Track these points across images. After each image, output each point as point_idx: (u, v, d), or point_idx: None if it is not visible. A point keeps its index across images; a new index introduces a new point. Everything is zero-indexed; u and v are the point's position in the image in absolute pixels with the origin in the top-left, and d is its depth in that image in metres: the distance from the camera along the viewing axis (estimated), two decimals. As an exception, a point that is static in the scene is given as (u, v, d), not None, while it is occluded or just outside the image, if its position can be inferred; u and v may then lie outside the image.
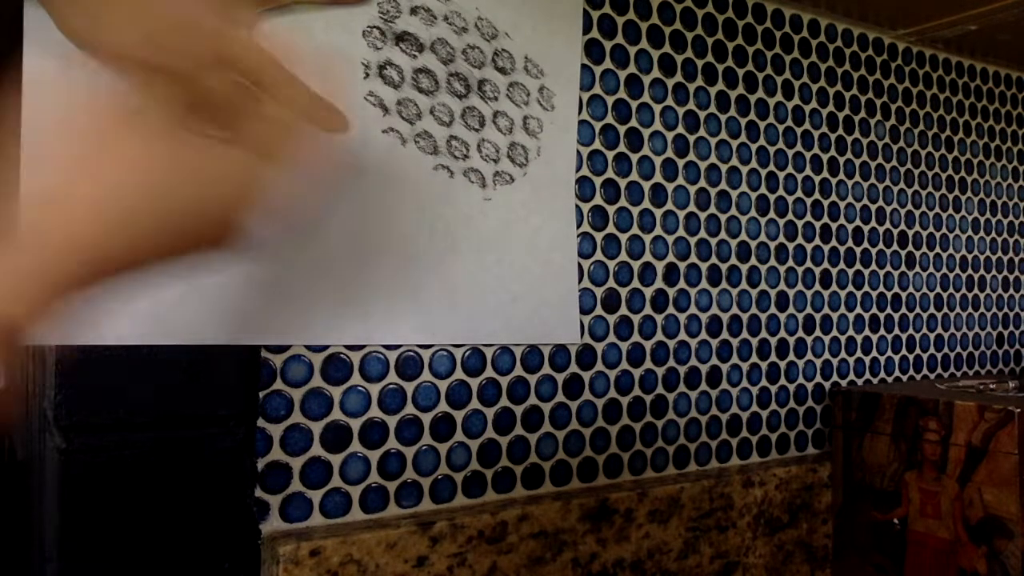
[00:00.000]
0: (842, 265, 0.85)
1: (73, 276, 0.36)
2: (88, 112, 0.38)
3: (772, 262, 0.79)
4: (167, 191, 0.38)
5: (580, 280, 0.67)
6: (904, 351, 0.90)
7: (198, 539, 0.52)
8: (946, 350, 0.94)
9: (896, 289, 0.89)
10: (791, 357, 0.81)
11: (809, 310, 0.82)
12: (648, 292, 0.71)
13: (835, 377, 0.84)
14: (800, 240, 0.81)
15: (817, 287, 0.83)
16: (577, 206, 0.67)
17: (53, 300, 0.36)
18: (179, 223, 0.39)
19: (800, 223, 0.81)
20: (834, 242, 0.84)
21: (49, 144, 0.38)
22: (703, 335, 0.75)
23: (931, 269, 0.93)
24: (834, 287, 0.84)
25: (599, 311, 0.68)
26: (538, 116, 0.65)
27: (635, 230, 0.70)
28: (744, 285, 0.77)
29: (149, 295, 0.50)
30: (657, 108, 0.72)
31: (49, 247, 0.35)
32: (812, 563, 0.79)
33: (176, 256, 0.40)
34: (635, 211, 0.70)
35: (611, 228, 0.69)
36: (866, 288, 0.87)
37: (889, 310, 0.89)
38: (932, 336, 0.93)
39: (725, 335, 0.76)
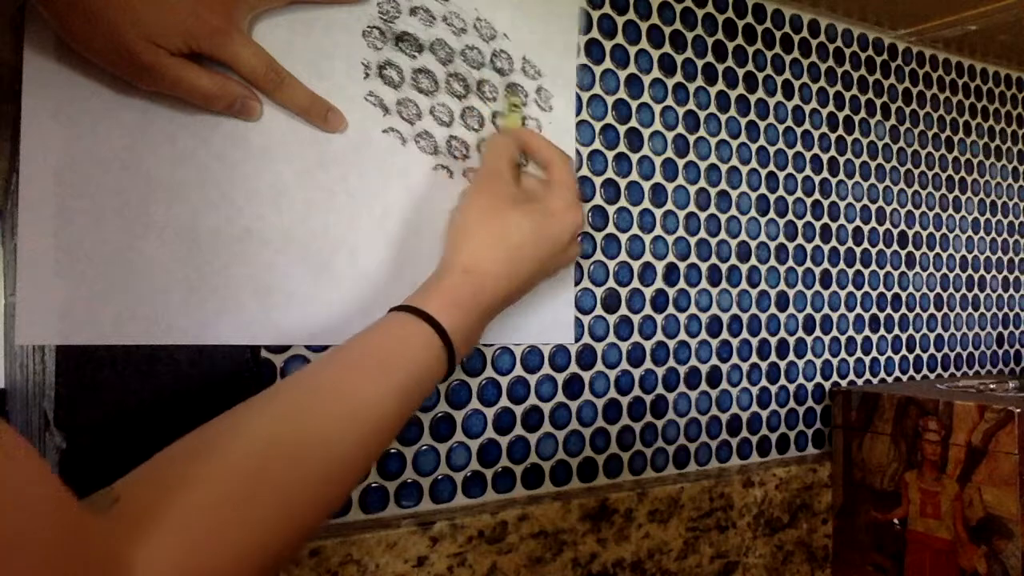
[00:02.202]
0: (842, 265, 0.85)
1: (494, 306, 0.52)
2: (482, 194, 0.54)
3: (772, 262, 0.79)
4: (538, 235, 0.53)
5: (580, 280, 0.67)
6: (904, 351, 0.90)
7: (198, 539, 0.52)
8: (946, 350, 0.94)
9: (896, 289, 0.89)
10: (791, 357, 0.81)
11: (809, 310, 0.82)
12: (648, 292, 0.71)
13: (835, 377, 0.84)
14: (800, 240, 0.81)
15: (817, 287, 0.83)
16: (577, 206, 0.67)
17: (483, 323, 0.52)
18: (551, 260, 0.55)
19: (800, 223, 0.81)
20: (834, 242, 0.84)
21: (465, 231, 0.53)
22: (703, 335, 0.75)
23: (931, 269, 0.93)
24: (834, 287, 0.84)
25: (599, 311, 0.68)
26: (536, 117, 0.65)
27: (635, 230, 0.70)
28: (744, 285, 0.77)
29: (151, 296, 0.50)
30: (657, 108, 0.72)
31: (480, 287, 0.51)
32: (812, 563, 0.79)
33: (547, 278, 0.58)
34: (635, 211, 0.70)
35: (611, 228, 0.69)
36: (866, 288, 0.87)
37: (889, 310, 0.89)
38: (932, 336, 0.93)
39: (725, 335, 0.76)
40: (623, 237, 0.70)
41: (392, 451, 0.59)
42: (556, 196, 0.55)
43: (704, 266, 0.75)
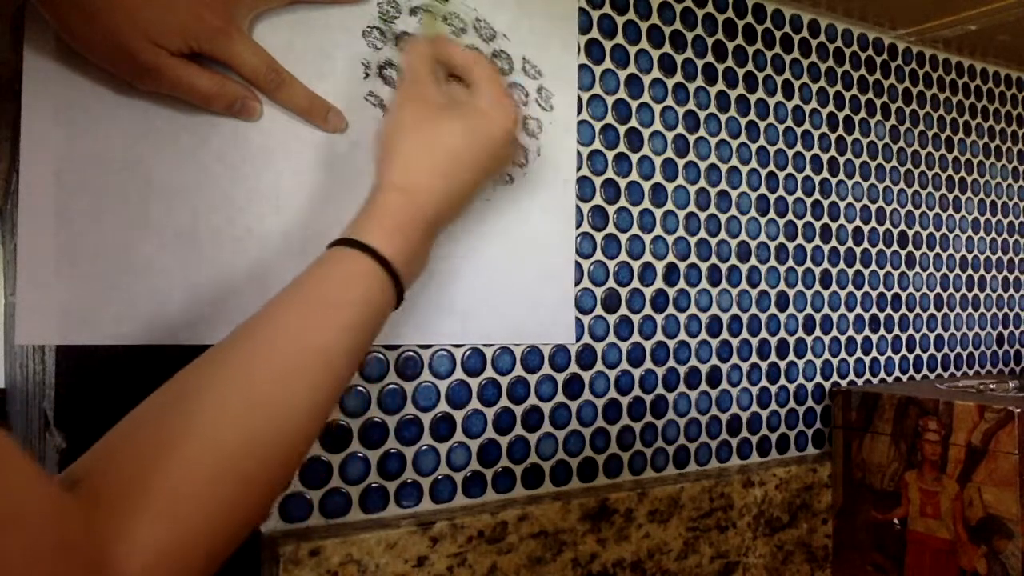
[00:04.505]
0: (842, 265, 0.85)
1: (435, 222, 0.49)
2: (406, 109, 0.50)
3: (772, 262, 0.79)
4: (472, 138, 0.50)
5: (580, 280, 0.67)
6: (904, 351, 0.90)
7: (198, 539, 0.52)
8: (946, 350, 0.94)
9: (896, 289, 0.89)
10: (791, 357, 0.81)
11: (809, 310, 0.82)
12: (648, 292, 0.71)
13: (835, 377, 0.84)
14: (800, 240, 0.81)
15: (817, 287, 0.83)
16: (577, 206, 0.67)
17: (427, 242, 0.50)
18: (491, 162, 0.52)
19: (800, 223, 0.81)
20: (834, 242, 0.84)
21: (394, 146, 0.49)
22: (703, 335, 0.75)
23: (931, 269, 0.93)
24: (834, 287, 0.84)
25: (599, 311, 0.68)
26: (537, 117, 0.65)
27: (635, 230, 0.70)
28: (744, 285, 0.77)
29: (151, 296, 0.50)
30: (657, 108, 0.72)
31: (416, 203, 0.48)
32: (812, 563, 0.79)
33: (492, 180, 0.59)
34: (635, 211, 0.70)
35: (611, 228, 0.69)
36: (866, 288, 0.87)
37: (889, 310, 0.89)
38: (932, 336, 0.93)
39: (725, 335, 0.76)
40: (623, 237, 0.70)
41: (392, 451, 0.59)
42: (483, 95, 0.52)
43: (704, 266, 0.75)
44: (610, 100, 0.69)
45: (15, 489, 0.27)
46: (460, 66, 0.54)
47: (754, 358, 0.78)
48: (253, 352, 0.41)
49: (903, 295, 0.90)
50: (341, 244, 0.46)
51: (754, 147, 0.78)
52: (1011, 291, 1.00)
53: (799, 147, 0.81)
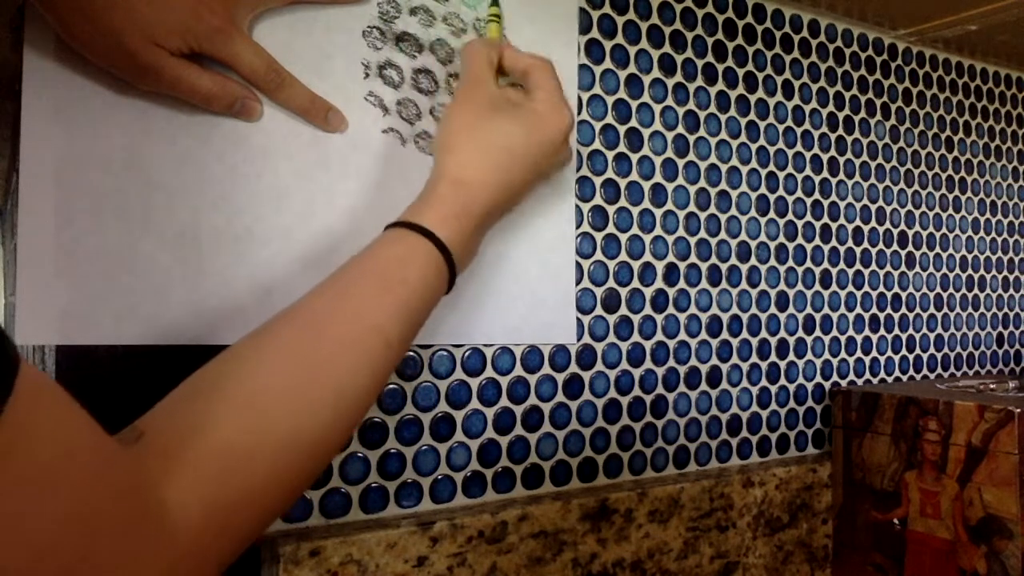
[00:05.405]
0: (842, 265, 0.85)
1: (488, 215, 0.51)
2: (465, 107, 0.52)
3: (772, 262, 0.79)
4: (527, 139, 0.52)
5: (580, 280, 0.67)
6: (904, 351, 0.90)
7: (198, 539, 0.52)
8: (946, 350, 0.94)
9: (896, 289, 0.89)
10: (791, 357, 0.81)
11: (809, 310, 0.82)
12: (648, 292, 0.71)
13: (835, 377, 0.84)
14: (800, 240, 0.81)
15: (817, 287, 0.83)
16: (577, 206, 0.67)
17: (479, 233, 0.51)
18: (545, 163, 0.54)
19: (800, 223, 0.81)
20: (834, 242, 0.84)
21: (451, 143, 0.51)
22: (703, 335, 0.75)
23: (931, 269, 0.92)
24: (834, 287, 0.84)
25: (599, 311, 0.68)
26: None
27: (635, 230, 0.70)
28: (744, 285, 0.77)
29: (151, 296, 0.50)
30: (657, 108, 0.72)
31: (471, 195, 0.49)
32: (812, 563, 0.79)
33: (544, 181, 0.59)
34: (635, 211, 0.70)
35: (611, 228, 0.69)
36: (866, 288, 0.87)
37: (889, 310, 0.89)
38: (932, 336, 0.93)
39: (725, 335, 0.76)
40: (623, 237, 0.70)
41: (392, 451, 0.59)
42: (540, 99, 0.54)
43: (704, 266, 0.75)
44: (610, 100, 0.69)
45: (64, 436, 0.28)
46: (521, 70, 0.56)
47: (754, 358, 0.78)
48: (311, 323, 0.42)
49: (903, 295, 0.90)
50: (398, 226, 0.47)
51: (754, 147, 0.78)
52: (1011, 291, 1.00)
53: (799, 147, 0.81)
